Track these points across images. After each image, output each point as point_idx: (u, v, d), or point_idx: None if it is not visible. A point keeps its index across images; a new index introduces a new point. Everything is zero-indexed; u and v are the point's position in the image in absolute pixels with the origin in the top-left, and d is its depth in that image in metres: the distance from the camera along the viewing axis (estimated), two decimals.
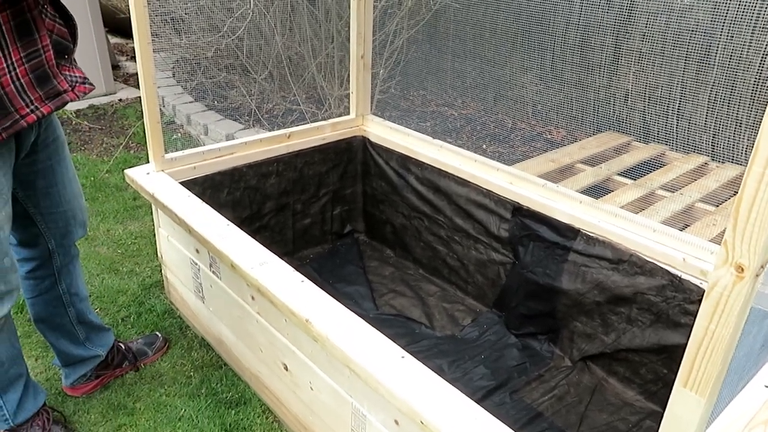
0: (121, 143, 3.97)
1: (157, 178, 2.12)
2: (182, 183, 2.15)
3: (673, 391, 0.83)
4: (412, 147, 2.51)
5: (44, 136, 1.58)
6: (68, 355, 1.90)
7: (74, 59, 1.54)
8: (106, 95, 4.76)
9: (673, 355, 1.84)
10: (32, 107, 1.38)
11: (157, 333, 2.17)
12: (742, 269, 0.72)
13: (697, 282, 1.73)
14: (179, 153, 2.22)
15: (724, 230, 2.29)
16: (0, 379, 1.60)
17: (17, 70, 1.33)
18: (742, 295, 0.73)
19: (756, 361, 1.26)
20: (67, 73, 1.49)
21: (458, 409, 1.20)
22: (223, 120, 4.11)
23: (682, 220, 2.78)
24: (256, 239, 2.50)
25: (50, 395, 1.96)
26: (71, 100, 1.49)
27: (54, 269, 1.76)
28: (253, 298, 1.78)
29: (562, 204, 2.04)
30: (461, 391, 1.93)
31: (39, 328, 1.85)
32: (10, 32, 1.30)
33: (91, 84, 1.56)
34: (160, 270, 2.52)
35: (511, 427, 1.84)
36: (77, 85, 1.51)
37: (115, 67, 5.34)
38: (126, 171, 2.17)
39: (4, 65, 1.30)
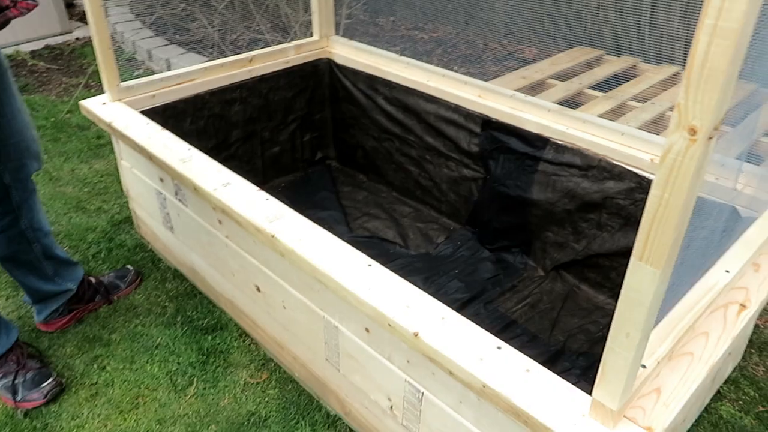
0: (81, 83, 3.82)
1: (114, 108, 2.04)
2: (142, 112, 2.08)
3: (629, 266, 0.83)
4: (378, 66, 2.44)
5: None
6: (38, 292, 1.88)
7: None
8: (61, 34, 4.55)
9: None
10: None
11: (129, 267, 2.15)
12: (695, 131, 0.70)
13: None
14: (135, 81, 2.13)
15: None
16: None
17: None
18: (695, 158, 0.71)
19: (717, 249, 1.27)
20: None
21: (426, 311, 1.20)
22: (186, 53, 3.96)
23: (653, 129, 2.77)
24: None
25: (23, 332, 1.95)
26: (14, 17, 1.41)
27: (13, 205, 1.71)
28: (220, 222, 1.75)
29: (531, 114, 2.01)
30: None
31: (6, 267, 1.81)
32: None
33: (35, 0, 1.47)
34: (129, 206, 2.48)
35: None
36: (21, 0, 1.42)
37: (70, 5, 5.09)
38: (81, 102, 2.09)
39: None
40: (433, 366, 1.22)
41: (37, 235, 1.79)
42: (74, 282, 1.94)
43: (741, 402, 1.72)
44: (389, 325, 1.20)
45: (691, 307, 1.15)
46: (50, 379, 1.71)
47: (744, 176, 1.34)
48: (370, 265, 1.33)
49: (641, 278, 0.82)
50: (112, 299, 2.05)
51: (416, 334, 1.15)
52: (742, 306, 1.21)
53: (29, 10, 1.45)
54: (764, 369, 1.82)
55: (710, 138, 0.71)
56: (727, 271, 1.25)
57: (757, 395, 1.73)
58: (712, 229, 1.14)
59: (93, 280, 2.03)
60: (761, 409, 1.69)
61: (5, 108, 1.58)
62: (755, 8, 0.64)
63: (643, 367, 1.01)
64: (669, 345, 1.06)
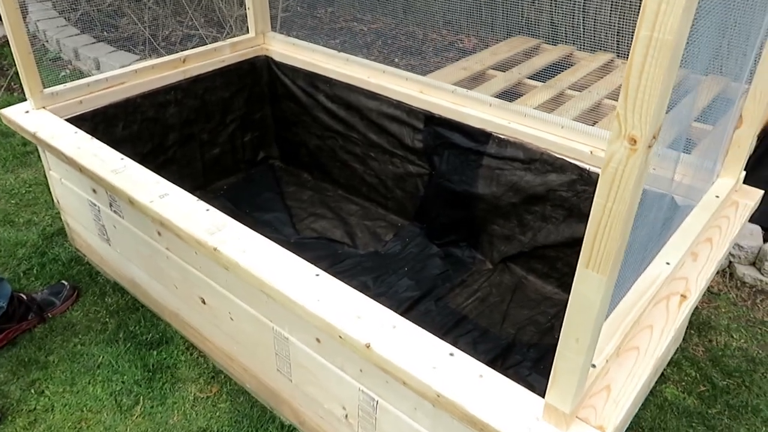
0: (2, 85, 3.60)
1: (38, 116, 1.93)
2: (68, 120, 1.97)
3: (576, 272, 0.83)
4: (318, 63, 2.39)
5: None
6: None
7: None
8: None
9: None
10: None
11: (64, 281, 2.04)
12: (635, 141, 0.70)
13: None
14: (60, 87, 2.02)
15: None
16: None
17: None
18: (636, 167, 0.72)
19: (658, 241, 1.30)
20: None
21: (377, 320, 1.18)
22: (116, 51, 3.79)
23: (592, 118, 2.83)
24: (162, 174, 2.34)
25: None
26: None
27: None
28: (159, 233, 1.68)
29: (473, 109, 2.01)
30: (386, 304, 1.94)
31: None
32: None
33: None
34: (61, 218, 2.35)
35: (438, 332, 1.88)
36: None
37: None
38: (1, 111, 1.96)
39: None
40: (387, 375, 1.21)
41: None
42: (2, 299, 1.83)
43: (684, 383, 1.78)
44: (340, 336, 1.18)
45: (635, 302, 1.17)
46: None
47: (681, 166, 1.37)
48: (317, 275, 1.30)
49: (588, 285, 0.82)
50: (46, 317, 1.94)
51: (368, 346, 1.13)
52: (683, 296, 1.24)
53: None
54: (704, 349, 1.90)
55: (650, 147, 0.71)
56: (668, 263, 1.28)
57: (698, 375, 1.80)
58: (653, 222, 1.17)
59: (24, 297, 1.92)
60: (702, 388, 1.76)
61: None
62: (688, 20, 0.64)
63: (593, 366, 1.02)
64: (616, 342, 1.08)
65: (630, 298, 1.18)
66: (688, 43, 0.68)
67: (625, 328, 1.11)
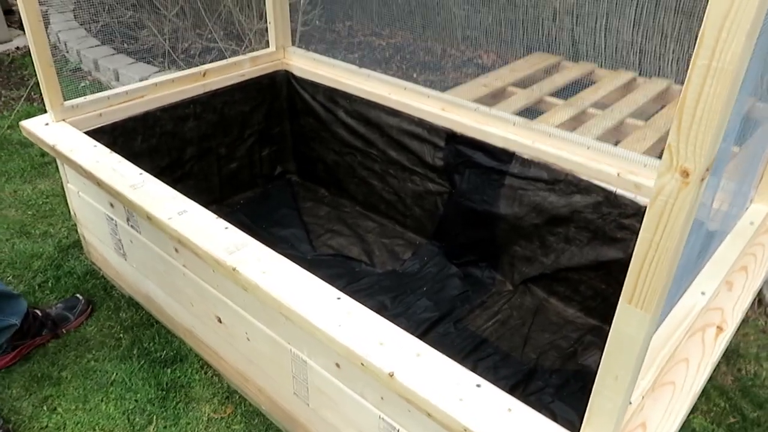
0: (22, 95, 3.62)
1: (57, 129, 1.92)
2: (87, 132, 1.96)
3: (618, 308, 0.79)
4: (338, 78, 2.37)
5: None
6: None
7: None
8: (0, 43, 4.32)
9: (610, 270, 1.85)
10: None
11: (78, 296, 2.02)
12: (688, 174, 0.66)
13: (631, 196, 1.72)
14: (80, 99, 2.01)
15: (655, 144, 2.28)
16: None
17: None
18: (687, 202, 0.68)
19: (693, 268, 1.26)
20: None
21: (400, 347, 1.14)
22: (135, 63, 3.80)
23: (614, 137, 2.78)
24: (179, 189, 2.32)
25: None
26: None
27: None
28: (176, 250, 1.65)
29: (496, 127, 1.98)
30: (405, 326, 1.90)
31: None
32: None
33: None
34: (77, 230, 2.34)
35: (457, 356, 1.84)
36: None
37: (8, 11, 4.83)
38: (21, 123, 1.95)
39: None
40: (410, 404, 1.16)
41: None
42: (17, 316, 1.81)
43: (712, 413, 1.72)
44: (362, 364, 1.14)
45: (671, 334, 1.12)
46: None
47: (719, 192, 1.33)
48: (339, 298, 1.26)
49: (631, 322, 0.78)
50: (60, 333, 1.92)
51: (391, 375, 1.09)
52: (719, 328, 1.19)
53: None
54: (732, 378, 1.83)
55: (703, 180, 0.67)
56: (703, 293, 1.23)
57: (727, 406, 1.74)
58: (690, 252, 1.12)
59: (39, 312, 1.90)
60: (732, 420, 1.70)
61: None
62: (750, 48, 0.60)
63: (629, 403, 0.97)
64: (652, 377, 1.03)
65: (665, 329, 1.13)
66: None
67: (660, 363, 1.07)
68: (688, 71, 0.63)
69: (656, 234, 0.71)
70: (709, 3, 0.60)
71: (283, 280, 1.30)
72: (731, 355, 1.91)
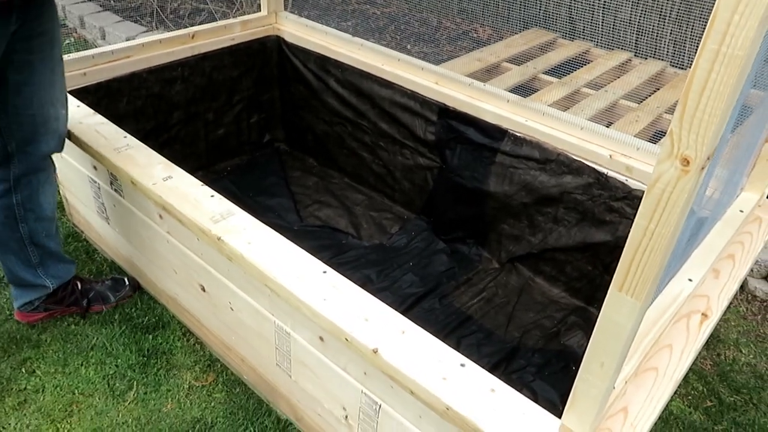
0: None
1: None
2: (71, 92, 1.89)
3: (608, 295, 0.78)
4: (330, 47, 2.32)
5: (28, 26, 1.37)
6: (15, 275, 1.72)
7: None
8: None
9: (597, 252, 1.85)
10: None
11: (126, 279, 1.94)
12: (688, 162, 0.65)
13: (622, 179, 1.72)
14: (65, 57, 1.94)
15: (648, 127, 2.25)
16: None
17: None
18: (686, 190, 0.66)
19: (681, 255, 1.25)
20: None
21: (385, 324, 1.13)
22: (123, 22, 3.70)
23: (606, 118, 2.77)
24: (164, 153, 2.28)
25: None
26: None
27: (10, 176, 1.56)
28: (160, 216, 1.62)
29: (490, 104, 1.95)
30: (390, 300, 1.89)
31: None
32: None
33: None
34: (59, 191, 2.29)
35: (441, 332, 1.84)
36: None
37: None
38: None
39: None
40: (393, 381, 1.16)
41: (27, 216, 1.63)
42: (56, 281, 1.77)
43: (690, 397, 1.74)
44: (346, 339, 1.13)
45: (656, 320, 1.12)
46: None
47: (713, 180, 1.32)
48: (325, 272, 1.25)
49: (620, 310, 0.77)
50: (89, 311, 1.86)
51: (375, 351, 1.08)
52: (704, 315, 1.20)
53: None
54: (711, 363, 1.86)
55: (703, 168, 0.66)
56: (690, 280, 1.23)
57: (705, 390, 1.77)
58: (680, 239, 1.11)
59: (80, 285, 1.84)
60: (709, 403, 1.73)
61: (37, 76, 1.45)
62: (761, 34, 0.58)
63: (612, 388, 0.97)
64: (636, 362, 1.03)
65: (651, 315, 1.13)
66: None
67: (645, 348, 1.07)
68: (696, 55, 0.60)
69: (652, 222, 0.70)
70: None
71: (269, 251, 1.28)
72: (711, 341, 1.94)
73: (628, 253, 0.74)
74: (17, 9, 1.33)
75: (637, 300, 0.75)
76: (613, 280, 0.77)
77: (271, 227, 1.36)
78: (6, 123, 1.49)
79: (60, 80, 1.53)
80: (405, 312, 1.89)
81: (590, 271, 1.90)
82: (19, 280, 1.73)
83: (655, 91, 3.03)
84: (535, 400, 1.03)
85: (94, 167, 1.81)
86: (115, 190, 1.77)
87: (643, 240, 0.72)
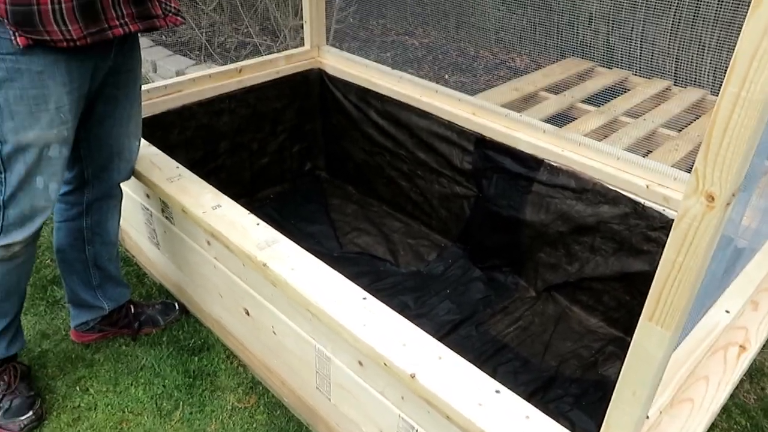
0: None
1: None
2: None
3: (638, 324, 0.81)
4: (370, 79, 2.40)
5: (119, 62, 1.51)
6: (76, 295, 1.83)
7: None
8: None
9: (635, 282, 1.85)
10: (122, 21, 1.36)
11: (175, 303, 2.02)
12: (713, 198, 0.68)
13: (659, 209, 1.72)
14: None
15: (687, 155, 2.26)
16: None
17: None
18: (711, 226, 0.69)
19: (718, 286, 1.26)
20: (163, 0, 1.44)
21: (423, 349, 1.17)
22: (173, 56, 3.89)
23: (645, 146, 2.76)
24: (211, 181, 2.39)
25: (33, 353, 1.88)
26: (161, 27, 1.46)
27: (84, 200, 1.69)
28: (208, 243, 1.70)
29: (526, 134, 1.99)
30: (427, 327, 1.93)
31: (57, 257, 1.77)
32: None
33: (183, 18, 1.51)
34: None
35: (477, 359, 1.86)
36: (170, 15, 1.46)
37: None
38: None
39: None
40: (430, 406, 1.19)
41: (94, 239, 1.76)
42: (112, 303, 1.87)
43: (732, 431, 1.71)
44: (384, 364, 1.17)
45: (692, 351, 1.13)
46: (30, 413, 1.64)
47: (749, 209, 1.32)
48: (365, 299, 1.30)
49: (651, 339, 0.80)
50: (140, 334, 1.95)
51: (413, 376, 1.12)
52: (742, 348, 1.20)
53: (176, 25, 1.50)
54: (755, 397, 1.82)
55: (728, 204, 0.69)
56: (728, 311, 1.23)
57: (748, 424, 1.73)
58: (716, 269, 1.12)
59: (133, 308, 1.94)
60: None
61: (119, 109, 1.58)
62: None
63: (647, 417, 0.99)
64: (671, 393, 1.04)
65: (687, 346, 1.14)
66: None
67: (680, 379, 1.08)
68: (718, 98, 0.64)
69: (680, 255, 0.73)
70: (742, 31, 0.62)
71: (311, 277, 1.34)
72: (755, 374, 1.90)
73: (657, 285, 0.77)
74: (115, 48, 1.45)
75: (666, 330, 0.78)
76: (644, 310, 0.80)
77: (311, 254, 1.42)
78: (88, 151, 1.61)
79: (137, 114, 1.65)
80: (441, 339, 1.92)
81: (628, 301, 1.90)
82: (79, 300, 1.83)
83: (695, 120, 3.02)
84: (572, 430, 1.04)
85: (147, 195, 1.91)
86: (166, 218, 1.87)
87: (672, 272, 0.75)
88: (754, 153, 0.68)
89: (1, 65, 1.26)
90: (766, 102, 0.61)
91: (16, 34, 1.22)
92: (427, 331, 1.22)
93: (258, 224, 1.52)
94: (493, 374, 1.81)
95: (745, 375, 1.89)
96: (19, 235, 1.44)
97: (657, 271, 0.76)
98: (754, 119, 0.62)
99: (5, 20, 1.21)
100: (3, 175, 1.37)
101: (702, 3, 3.23)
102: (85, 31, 1.28)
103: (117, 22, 1.35)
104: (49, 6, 1.22)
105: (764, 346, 1.97)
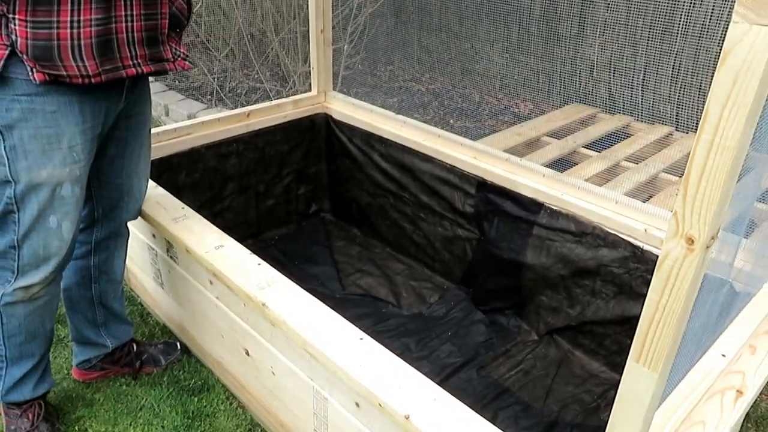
0: None
1: None
2: None
3: (626, 366, 0.82)
4: (375, 123, 2.46)
5: (130, 105, 1.56)
6: (79, 333, 1.84)
7: (182, 36, 1.55)
8: None
9: (636, 326, 1.84)
10: (135, 62, 1.41)
11: (177, 343, 2.04)
12: (693, 241, 0.70)
13: (658, 252, 1.73)
14: None
15: None
16: (11, 349, 1.56)
17: (134, 23, 1.36)
18: (692, 267, 0.71)
19: (714, 329, 1.26)
20: (173, 45, 1.50)
21: (418, 391, 1.17)
22: (185, 100, 4.00)
23: (647, 191, 2.79)
24: (217, 222, 2.44)
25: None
26: (170, 71, 1.52)
27: (93, 239, 1.72)
28: (211, 282, 1.73)
29: (526, 178, 2.02)
30: (427, 369, 1.92)
31: (63, 296, 1.78)
32: None
33: (191, 63, 1.55)
34: None
35: (478, 403, 1.85)
36: (179, 59, 1.52)
37: None
38: None
39: (123, 13, 1.33)
40: None
41: (100, 277, 1.78)
42: (115, 341, 1.89)
43: None
44: (380, 404, 1.17)
45: (687, 396, 1.13)
46: None
47: (742, 252, 1.33)
48: (361, 339, 1.31)
49: (639, 380, 0.80)
50: (140, 373, 1.96)
51: (407, 417, 1.12)
52: (739, 392, 1.19)
53: (185, 69, 1.56)
54: None
55: (708, 247, 0.71)
56: (724, 355, 1.23)
57: None
58: (709, 311, 1.13)
59: (136, 347, 1.96)
60: None
61: (128, 150, 1.62)
62: (751, 127, 0.64)
63: None
64: None
65: (682, 390, 1.14)
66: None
67: (675, 423, 1.07)
68: (693, 145, 0.67)
69: (663, 296, 0.74)
70: (713, 82, 0.65)
71: (309, 318, 1.36)
72: (761, 421, 1.87)
73: (642, 326, 0.78)
74: (127, 90, 1.51)
75: (653, 371, 0.79)
76: (630, 352, 0.81)
77: (314, 295, 1.44)
78: (98, 191, 1.65)
79: (146, 155, 1.70)
80: (442, 382, 1.91)
81: (630, 346, 1.88)
82: (83, 337, 1.84)
83: None
84: None
85: (153, 235, 1.95)
86: (171, 257, 1.90)
87: (656, 314, 0.76)
88: (731, 197, 0.70)
89: (16, 106, 1.31)
90: (739, 148, 0.64)
91: (34, 69, 1.27)
92: (427, 374, 1.23)
93: (259, 264, 1.54)
94: (494, 418, 1.79)
95: (750, 422, 1.86)
96: (35, 276, 1.46)
97: (642, 313, 0.78)
98: (728, 164, 0.64)
99: (24, 55, 1.26)
100: (16, 215, 1.40)
101: (701, 50, 3.30)
102: (100, 68, 1.33)
103: (131, 62, 1.40)
104: (69, 42, 1.27)
105: (764, 391, 1.94)
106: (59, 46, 1.26)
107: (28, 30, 1.23)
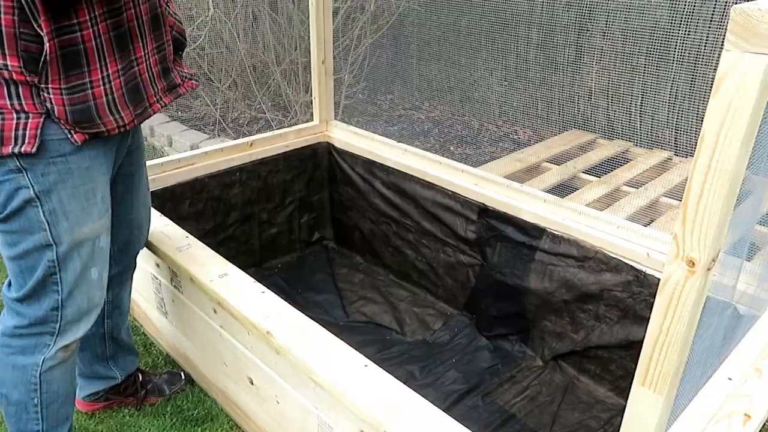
0: None
1: None
2: None
3: (631, 389, 0.82)
4: (376, 151, 2.48)
5: (131, 141, 1.56)
6: (88, 369, 1.82)
7: (182, 56, 1.56)
8: None
9: (641, 350, 1.84)
10: (158, 97, 1.42)
11: (182, 373, 2.03)
12: (694, 263, 0.71)
13: (661, 276, 1.73)
14: None
15: None
16: (49, 420, 1.49)
17: (151, 60, 1.36)
18: (694, 289, 0.72)
19: (719, 353, 1.26)
20: (179, 68, 1.51)
21: (423, 418, 1.17)
22: (188, 130, 4.04)
23: (647, 216, 2.80)
24: (221, 251, 2.45)
25: None
26: (182, 94, 1.52)
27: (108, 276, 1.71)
28: (215, 311, 1.73)
29: (528, 204, 2.04)
30: (432, 397, 1.91)
31: None
32: (148, 23, 1.33)
33: (196, 80, 1.58)
34: None
35: (484, 430, 1.83)
36: (186, 80, 1.53)
37: None
38: None
39: (142, 54, 1.33)
40: None
41: (113, 312, 1.77)
42: (124, 372, 1.88)
43: None
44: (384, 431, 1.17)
45: (695, 420, 1.12)
46: None
47: (745, 275, 1.34)
48: (366, 366, 1.31)
49: (644, 404, 0.80)
50: (145, 403, 1.95)
51: None
52: (747, 416, 1.18)
53: (193, 89, 1.57)
54: None
55: (709, 269, 0.71)
56: (730, 379, 1.23)
57: None
58: (713, 334, 1.13)
59: (141, 377, 1.95)
60: None
61: (135, 184, 1.62)
62: (747, 151, 0.65)
63: None
64: None
65: (689, 414, 1.13)
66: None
67: None
68: (690, 168, 0.68)
69: (666, 319, 0.75)
70: (708, 107, 0.66)
71: (313, 345, 1.36)
72: None
73: (647, 349, 0.79)
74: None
75: (659, 394, 0.79)
76: (635, 376, 0.81)
77: (317, 322, 1.44)
78: (114, 229, 1.61)
79: (147, 184, 1.70)
80: (448, 409, 1.90)
81: (635, 370, 1.87)
82: (92, 372, 1.83)
83: None
84: None
85: (157, 264, 1.96)
86: (175, 286, 1.90)
87: (660, 336, 0.77)
88: (731, 219, 0.71)
89: (52, 168, 1.26)
90: (735, 171, 0.65)
91: (73, 132, 1.25)
92: (432, 401, 1.22)
93: (263, 293, 1.54)
94: None
95: None
96: (78, 332, 1.43)
97: (646, 336, 0.78)
98: (725, 187, 0.66)
99: (62, 121, 1.23)
100: (58, 276, 1.35)
101: (698, 76, 3.35)
102: (133, 114, 1.33)
103: (155, 99, 1.40)
104: (104, 98, 1.25)
105: None
106: (96, 105, 1.24)
107: (64, 97, 1.20)
